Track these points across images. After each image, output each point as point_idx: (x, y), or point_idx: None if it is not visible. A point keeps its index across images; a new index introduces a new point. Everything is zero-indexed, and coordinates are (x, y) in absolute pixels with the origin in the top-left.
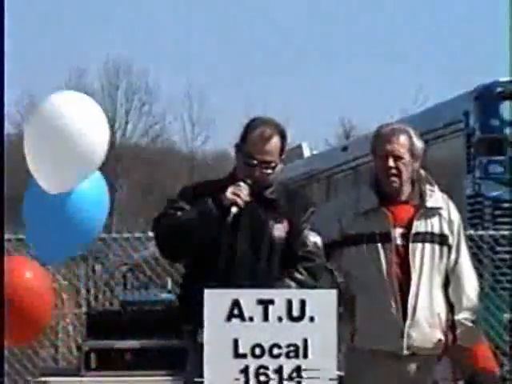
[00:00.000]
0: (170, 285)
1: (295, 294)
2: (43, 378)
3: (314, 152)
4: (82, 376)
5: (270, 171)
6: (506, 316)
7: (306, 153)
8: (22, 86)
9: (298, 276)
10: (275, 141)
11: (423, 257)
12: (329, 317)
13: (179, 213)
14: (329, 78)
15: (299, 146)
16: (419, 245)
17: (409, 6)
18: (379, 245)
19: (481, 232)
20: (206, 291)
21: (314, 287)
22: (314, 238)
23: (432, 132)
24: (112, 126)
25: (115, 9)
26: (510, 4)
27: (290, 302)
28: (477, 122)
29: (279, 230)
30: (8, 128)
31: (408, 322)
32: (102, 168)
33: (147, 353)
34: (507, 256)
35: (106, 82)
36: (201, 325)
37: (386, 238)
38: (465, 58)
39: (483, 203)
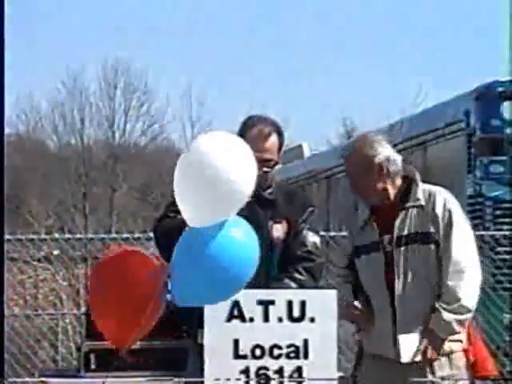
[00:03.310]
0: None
1: (295, 295)
2: (42, 379)
3: (314, 152)
4: (82, 377)
5: (269, 169)
6: (507, 316)
7: (306, 153)
8: (19, 87)
9: (298, 276)
10: (274, 138)
11: (407, 259)
12: (329, 317)
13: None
14: (329, 78)
15: (299, 146)
16: (402, 249)
17: (409, 6)
18: (373, 254)
19: (481, 232)
20: None
21: (314, 287)
22: (313, 238)
23: (432, 132)
24: (110, 126)
25: (114, 8)
26: (510, 4)
27: (290, 303)
28: (477, 122)
29: (278, 230)
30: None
31: (398, 329)
32: (101, 168)
33: (147, 353)
34: (508, 256)
35: (104, 81)
36: (201, 326)
37: (377, 247)
38: (465, 58)
39: (484, 203)
